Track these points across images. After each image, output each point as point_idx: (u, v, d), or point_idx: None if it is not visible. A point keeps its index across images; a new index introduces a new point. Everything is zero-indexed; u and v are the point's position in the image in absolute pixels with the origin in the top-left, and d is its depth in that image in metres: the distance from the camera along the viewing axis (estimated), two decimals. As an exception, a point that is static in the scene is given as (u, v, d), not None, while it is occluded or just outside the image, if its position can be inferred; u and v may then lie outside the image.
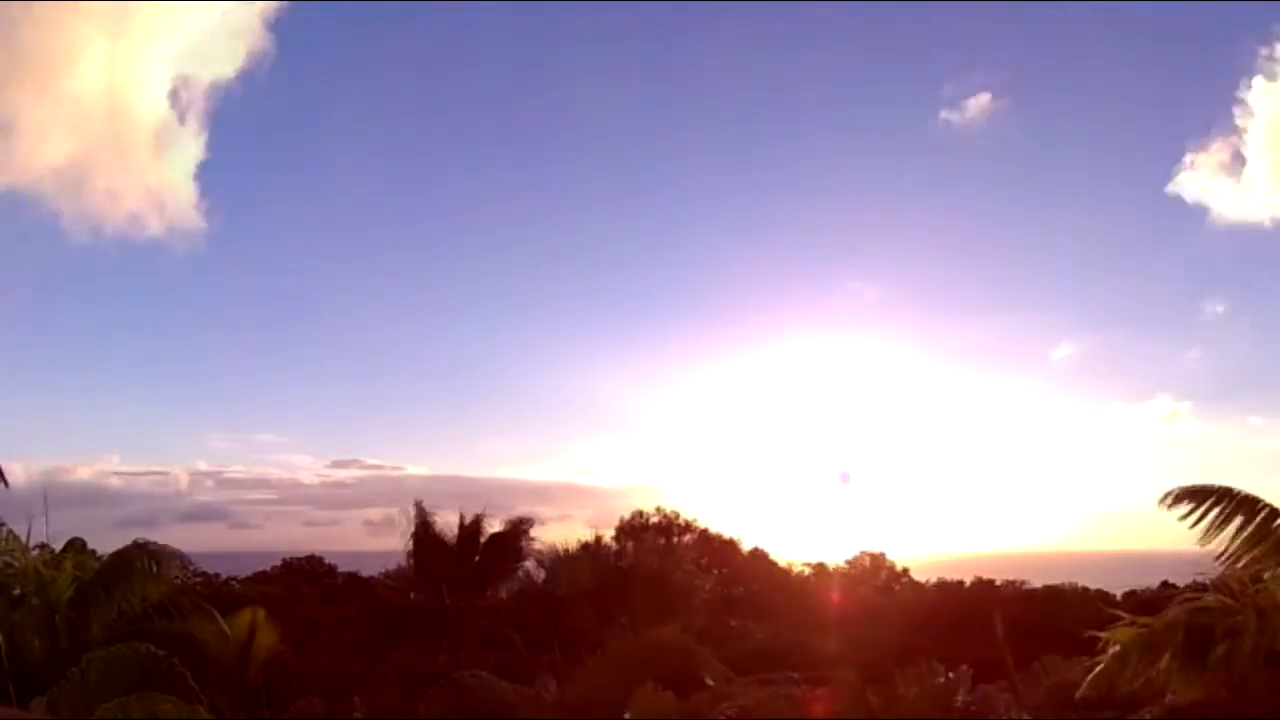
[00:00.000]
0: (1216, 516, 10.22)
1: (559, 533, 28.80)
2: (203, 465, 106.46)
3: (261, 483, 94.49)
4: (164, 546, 13.65)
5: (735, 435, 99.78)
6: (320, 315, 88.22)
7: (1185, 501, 10.34)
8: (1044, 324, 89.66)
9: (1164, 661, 9.72)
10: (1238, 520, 10.19)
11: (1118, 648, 10.04)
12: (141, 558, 13.35)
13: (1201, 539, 10.29)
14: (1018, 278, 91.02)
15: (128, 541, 13.56)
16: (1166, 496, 10.41)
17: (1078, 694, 10.48)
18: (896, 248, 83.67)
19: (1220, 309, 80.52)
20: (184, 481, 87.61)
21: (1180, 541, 10.54)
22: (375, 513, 27.51)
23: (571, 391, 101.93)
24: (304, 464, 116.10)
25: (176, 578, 13.92)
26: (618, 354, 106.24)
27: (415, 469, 76.21)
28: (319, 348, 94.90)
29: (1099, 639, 10.59)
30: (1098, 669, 10.16)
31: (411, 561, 27.21)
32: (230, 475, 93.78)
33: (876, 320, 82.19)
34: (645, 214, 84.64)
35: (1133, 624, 10.11)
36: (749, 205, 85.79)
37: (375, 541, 27.16)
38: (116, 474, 75.10)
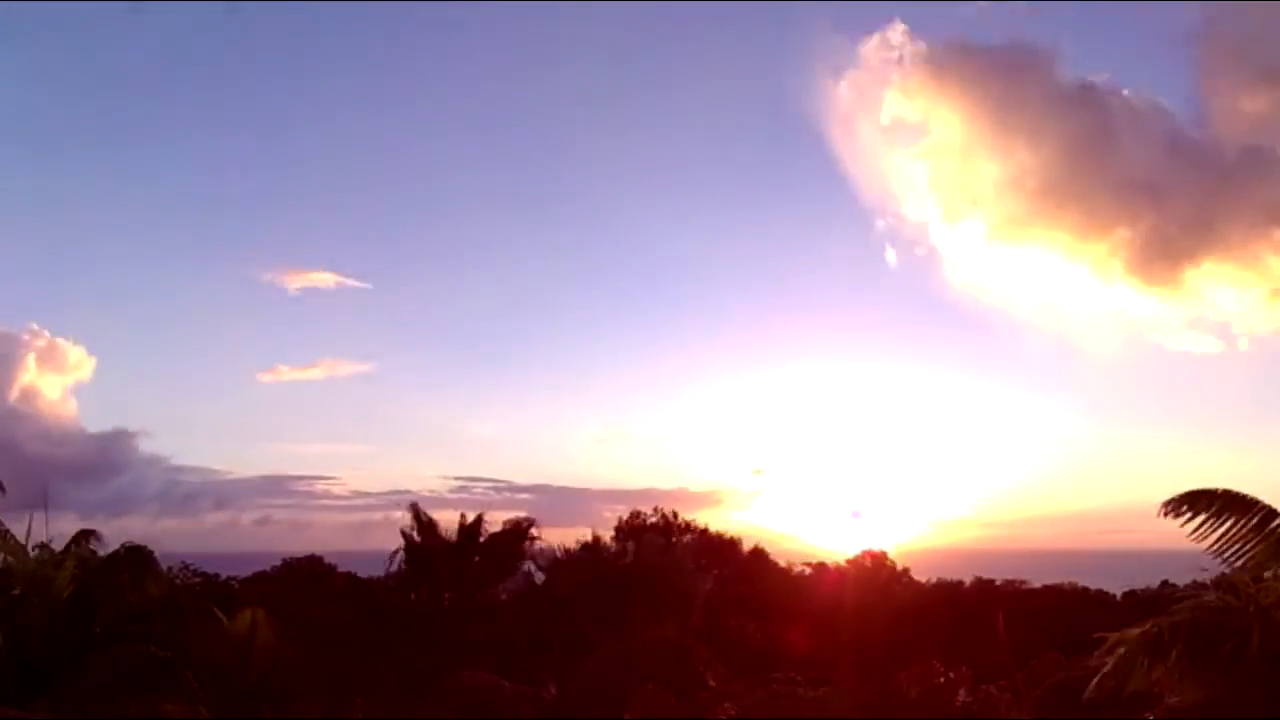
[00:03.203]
0: (1216, 521, 10.21)
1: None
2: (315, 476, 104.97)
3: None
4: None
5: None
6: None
7: (1185, 506, 10.33)
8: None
9: (1170, 662, 9.70)
10: (1236, 522, 10.19)
11: (1123, 649, 10.02)
12: (130, 561, 13.36)
13: (1202, 541, 10.28)
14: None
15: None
16: (1168, 504, 10.40)
17: (1084, 696, 10.47)
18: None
19: None
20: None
21: (1180, 541, 10.53)
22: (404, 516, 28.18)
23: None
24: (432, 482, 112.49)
25: (177, 579, 13.93)
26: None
27: (520, 479, 75.41)
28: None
29: (1101, 639, 10.59)
30: (1104, 670, 10.15)
31: (404, 561, 27.46)
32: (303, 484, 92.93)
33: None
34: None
35: (1142, 626, 10.10)
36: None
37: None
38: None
